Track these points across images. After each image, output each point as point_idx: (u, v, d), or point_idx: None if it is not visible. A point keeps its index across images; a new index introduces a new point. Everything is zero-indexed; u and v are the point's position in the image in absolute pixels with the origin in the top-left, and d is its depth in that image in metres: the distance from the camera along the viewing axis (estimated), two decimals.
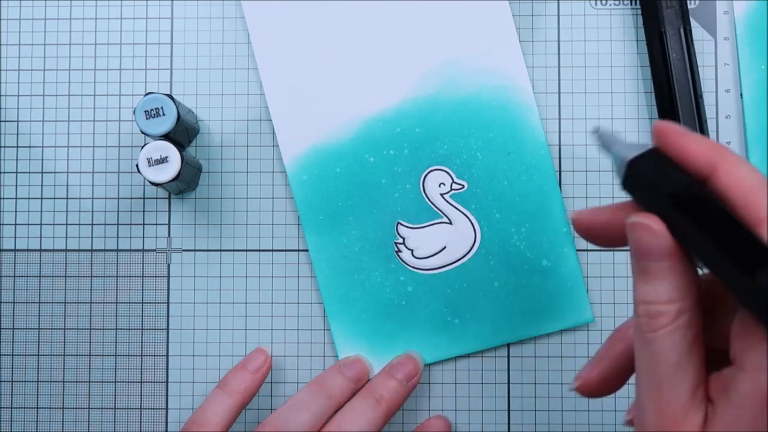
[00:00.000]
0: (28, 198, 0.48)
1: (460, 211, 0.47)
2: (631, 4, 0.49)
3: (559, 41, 0.48)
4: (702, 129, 0.46)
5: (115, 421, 0.48)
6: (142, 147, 0.44)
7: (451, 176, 0.47)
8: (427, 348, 0.47)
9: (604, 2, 0.49)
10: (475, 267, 0.47)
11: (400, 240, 0.47)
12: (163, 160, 0.43)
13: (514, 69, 0.47)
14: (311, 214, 0.47)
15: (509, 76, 0.47)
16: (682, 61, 0.45)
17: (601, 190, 0.48)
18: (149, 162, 0.43)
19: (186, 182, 0.46)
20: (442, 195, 0.47)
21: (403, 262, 0.47)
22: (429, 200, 0.47)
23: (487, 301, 0.47)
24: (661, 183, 0.30)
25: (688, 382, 0.29)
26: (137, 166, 0.43)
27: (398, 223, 0.47)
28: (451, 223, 0.47)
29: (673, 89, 0.45)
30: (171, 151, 0.43)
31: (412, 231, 0.47)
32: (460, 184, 0.47)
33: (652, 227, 0.29)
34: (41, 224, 0.48)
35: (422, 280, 0.47)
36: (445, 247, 0.47)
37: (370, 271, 0.47)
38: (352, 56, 0.48)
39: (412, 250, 0.47)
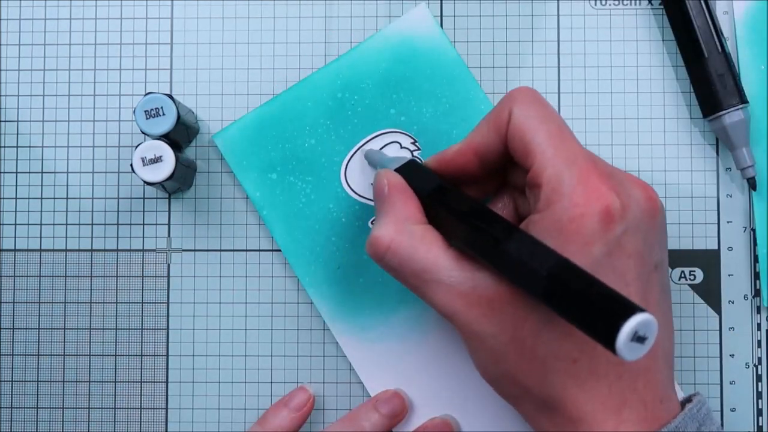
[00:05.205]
0: (28, 198, 0.48)
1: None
2: (631, 4, 0.49)
3: (559, 41, 0.48)
4: (731, 68, 0.46)
5: (115, 421, 0.48)
6: (136, 147, 0.44)
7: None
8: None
9: (604, 2, 0.49)
10: None
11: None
12: (157, 160, 0.43)
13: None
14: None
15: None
16: (702, 11, 0.46)
17: None
18: (143, 161, 0.43)
19: (180, 181, 0.46)
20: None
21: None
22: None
23: None
24: (418, 184, 0.39)
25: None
26: (131, 165, 0.43)
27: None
28: None
29: (695, 32, 0.46)
30: (165, 150, 0.43)
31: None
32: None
33: (382, 174, 0.40)
34: (41, 224, 0.48)
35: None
36: None
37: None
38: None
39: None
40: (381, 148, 0.47)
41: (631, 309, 0.29)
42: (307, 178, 0.47)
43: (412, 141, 0.47)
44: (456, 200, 0.38)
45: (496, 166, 0.39)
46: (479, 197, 0.41)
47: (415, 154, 0.47)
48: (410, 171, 0.40)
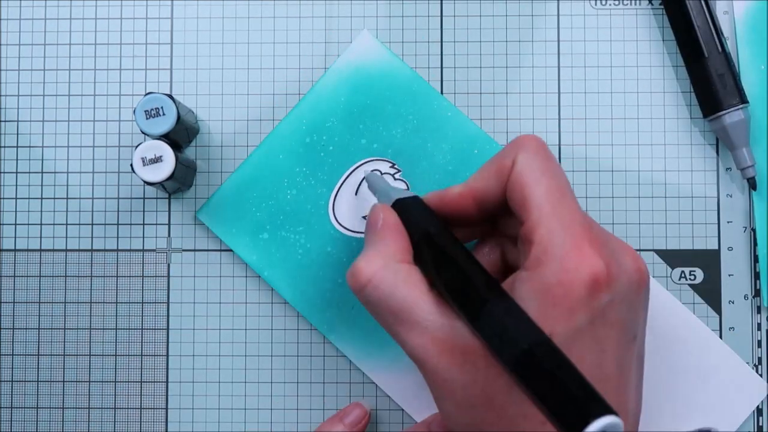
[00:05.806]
0: (28, 198, 0.48)
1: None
2: (631, 4, 0.49)
3: (558, 41, 0.48)
4: (730, 67, 0.46)
5: (115, 421, 0.48)
6: (136, 147, 0.44)
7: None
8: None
9: (604, 2, 0.49)
10: None
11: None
12: (157, 160, 0.43)
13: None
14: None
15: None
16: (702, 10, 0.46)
17: (601, 190, 0.48)
18: (143, 161, 0.44)
19: (180, 181, 0.46)
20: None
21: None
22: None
23: None
24: (412, 222, 0.38)
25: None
26: (131, 165, 0.43)
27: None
28: None
29: (695, 31, 0.46)
30: (165, 150, 0.43)
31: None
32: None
33: (378, 209, 0.39)
34: (41, 224, 0.48)
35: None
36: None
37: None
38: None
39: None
40: (362, 180, 0.47)
41: (602, 408, 0.28)
42: (298, 228, 0.47)
43: (391, 165, 0.47)
44: (448, 247, 0.37)
45: (495, 212, 0.39)
46: (469, 238, 0.41)
47: (397, 176, 0.47)
48: (407, 207, 0.39)
